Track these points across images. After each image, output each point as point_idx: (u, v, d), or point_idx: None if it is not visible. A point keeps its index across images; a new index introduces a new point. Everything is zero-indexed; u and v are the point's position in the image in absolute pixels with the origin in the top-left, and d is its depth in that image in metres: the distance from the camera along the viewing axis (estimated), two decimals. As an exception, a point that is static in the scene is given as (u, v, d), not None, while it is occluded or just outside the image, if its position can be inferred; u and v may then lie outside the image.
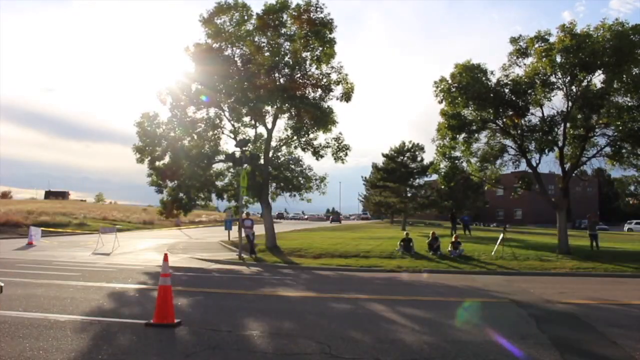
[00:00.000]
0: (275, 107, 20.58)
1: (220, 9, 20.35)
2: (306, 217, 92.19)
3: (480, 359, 5.37)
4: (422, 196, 47.63)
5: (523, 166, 20.87)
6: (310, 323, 7.15)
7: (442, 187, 37.01)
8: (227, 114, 21.58)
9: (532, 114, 19.67)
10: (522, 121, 19.57)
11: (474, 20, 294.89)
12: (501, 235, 19.51)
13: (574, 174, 20.27)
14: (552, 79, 18.99)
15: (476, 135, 20.52)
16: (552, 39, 18.84)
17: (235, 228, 24.64)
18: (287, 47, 20.42)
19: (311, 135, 21.81)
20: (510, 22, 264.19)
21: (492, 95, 18.88)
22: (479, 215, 61.87)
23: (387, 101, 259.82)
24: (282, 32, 20.33)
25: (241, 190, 19.57)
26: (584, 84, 18.73)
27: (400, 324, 7.22)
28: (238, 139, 21.36)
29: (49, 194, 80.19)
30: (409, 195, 47.58)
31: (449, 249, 18.75)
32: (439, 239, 19.55)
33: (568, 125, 19.41)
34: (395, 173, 46.47)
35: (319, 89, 20.71)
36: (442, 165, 21.51)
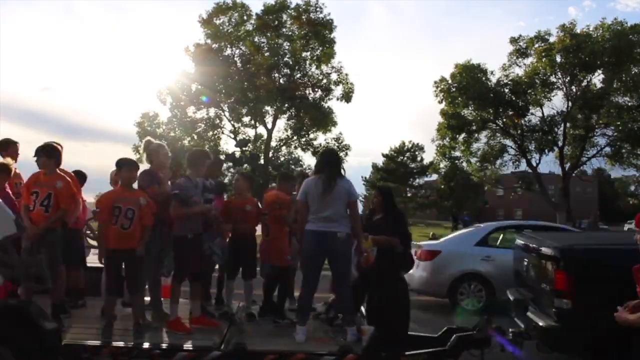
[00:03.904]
0: (275, 107, 20.60)
1: (219, 9, 20.36)
2: None
3: (480, 358, 5.36)
4: (422, 196, 47.63)
5: (523, 166, 20.86)
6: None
7: (442, 187, 37.18)
8: (227, 114, 21.60)
9: (532, 114, 19.72)
10: (522, 121, 19.57)
11: (477, 17, 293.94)
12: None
13: (574, 174, 20.26)
14: (552, 79, 19.02)
15: (476, 135, 20.52)
16: (552, 39, 18.89)
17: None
18: (287, 47, 20.43)
19: (311, 136, 21.84)
20: (513, 19, 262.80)
21: (492, 95, 18.88)
22: (479, 216, 61.82)
23: (387, 101, 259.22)
24: (282, 32, 20.34)
25: (241, 190, 19.55)
26: (584, 84, 18.75)
27: (400, 323, 7.20)
28: (238, 139, 21.37)
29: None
30: (409, 195, 47.57)
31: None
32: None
33: (568, 125, 19.41)
34: (395, 173, 46.47)
35: (319, 90, 20.72)
36: (442, 165, 21.56)
